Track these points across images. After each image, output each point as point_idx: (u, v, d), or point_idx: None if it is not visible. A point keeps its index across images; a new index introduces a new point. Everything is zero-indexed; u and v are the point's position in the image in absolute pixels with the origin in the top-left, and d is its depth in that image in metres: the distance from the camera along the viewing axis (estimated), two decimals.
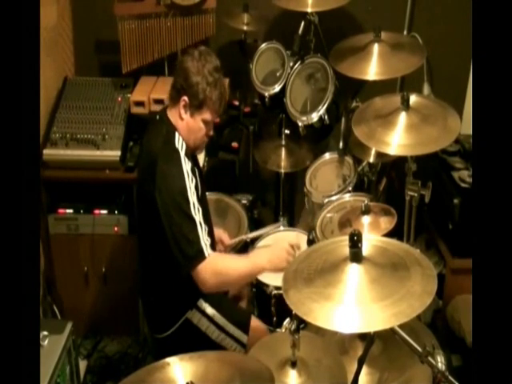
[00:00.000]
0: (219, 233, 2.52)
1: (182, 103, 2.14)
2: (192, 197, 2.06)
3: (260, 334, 2.27)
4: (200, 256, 2.04)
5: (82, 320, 2.94)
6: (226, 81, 2.95)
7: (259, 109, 3.00)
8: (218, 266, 2.07)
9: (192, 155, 2.24)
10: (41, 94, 2.73)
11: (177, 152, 2.12)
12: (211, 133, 2.24)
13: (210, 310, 2.25)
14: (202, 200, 2.16)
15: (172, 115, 2.19)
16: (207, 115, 2.17)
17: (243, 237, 2.65)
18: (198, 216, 2.06)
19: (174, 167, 2.09)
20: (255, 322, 2.35)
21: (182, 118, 2.17)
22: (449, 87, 3.07)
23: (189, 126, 2.17)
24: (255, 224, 2.92)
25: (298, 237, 2.70)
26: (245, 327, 2.28)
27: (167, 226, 2.06)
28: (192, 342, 2.19)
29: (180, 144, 2.14)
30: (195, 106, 2.14)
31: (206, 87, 2.12)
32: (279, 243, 2.20)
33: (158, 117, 2.24)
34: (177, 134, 2.16)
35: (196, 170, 2.17)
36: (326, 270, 1.42)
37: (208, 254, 2.05)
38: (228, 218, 2.79)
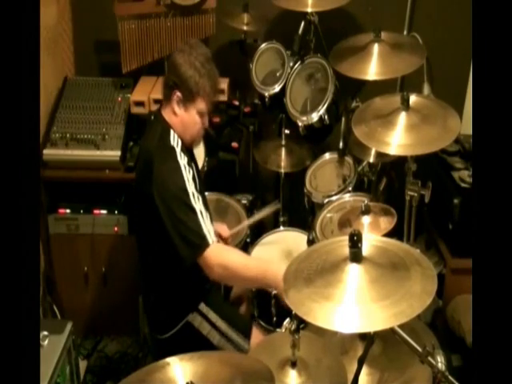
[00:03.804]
0: (217, 226, 2.52)
1: (175, 99, 2.14)
2: (190, 187, 2.06)
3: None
4: (203, 243, 2.03)
5: (81, 320, 2.94)
6: (226, 80, 2.96)
7: (259, 109, 3.00)
8: (224, 257, 2.06)
9: (188, 151, 2.23)
10: (41, 94, 2.73)
11: (173, 149, 2.12)
12: (207, 123, 2.23)
13: (212, 315, 2.24)
14: (200, 191, 2.16)
15: (166, 113, 2.18)
16: (201, 105, 2.15)
17: (241, 226, 2.68)
18: (198, 204, 2.05)
19: (171, 165, 2.09)
20: (256, 333, 2.32)
21: (176, 114, 2.16)
22: (449, 87, 3.07)
23: (184, 121, 2.16)
24: (255, 224, 2.92)
25: (298, 237, 2.71)
26: (247, 335, 2.27)
27: (167, 220, 2.05)
28: (193, 344, 2.17)
29: (175, 141, 2.14)
30: (188, 99, 2.13)
31: (199, 79, 2.11)
32: None
33: (152, 117, 2.25)
34: (172, 132, 2.15)
35: (192, 164, 2.17)
36: (326, 270, 1.42)
37: (212, 241, 2.04)
38: (228, 218, 2.79)
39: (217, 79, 2.18)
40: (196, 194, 2.07)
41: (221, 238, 2.53)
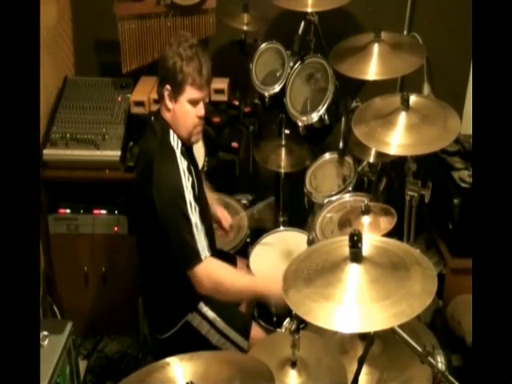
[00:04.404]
0: (218, 211, 2.54)
1: (166, 94, 2.13)
2: (189, 195, 2.06)
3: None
4: (195, 258, 2.04)
5: (81, 320, 2.94)
6: (226, 80, 2.96)
7: (259, 109, 3.00)
8: (215, 273, 2.08)
9: (188, 152, 2.22)
10: (41, 94, 2.73)
11: (172, 151, 2.11)
12: (201, 113, 2.17)
13: (210, 314, 2.24)
14: (199, 198, 2.15)
15: (163, 112, 2.18)
16: (191, 93, 2.11)
17: (241, 215, 2.73)
18: (194, 216, 2.05)
19: (170, 166, 2.09)
20: (256, 330, 2.32)
21: (169, 109, 2.14)
22: (449, 87, 3.07)
23: (176, 114, 2.14)
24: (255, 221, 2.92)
25: (298, 237, 2.71)
26: (245, 333, 2.26)
27: (165, 225, 2.06)
28: (192, 344, 2.17)
29: (175, 142, 2.14)
30: (177, 90, 2.11)
31: (182, 63, 2.08)
32: None
33: (152, 117, 2.24)
34: (171, 132, 2.15)
35: (192, 169, 2.15)
36: (326, 269, 1.42)
37: (205, 256, 2.05)
38: None
39: (203, 63, 2.11)
40: (193, 204, 2.06)
41: (221, 226, 2.54)
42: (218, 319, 2.24)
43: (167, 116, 2.16)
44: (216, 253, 2.45)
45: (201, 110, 2.16)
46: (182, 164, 2.10)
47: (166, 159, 2.10)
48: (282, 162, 2.98)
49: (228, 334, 2.24)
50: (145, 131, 2.26)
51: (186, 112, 2.14)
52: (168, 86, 2.12)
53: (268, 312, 2.46)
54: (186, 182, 2.07)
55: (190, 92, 2.11)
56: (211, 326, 2.23)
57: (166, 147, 2.12)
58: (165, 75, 2.13)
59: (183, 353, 1.45)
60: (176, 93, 2.12)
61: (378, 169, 2.67)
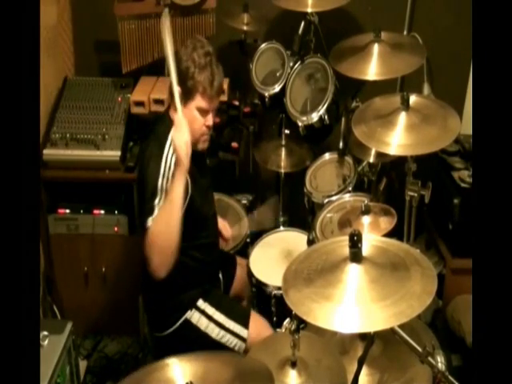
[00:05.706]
0: (219, 224, 2.52)
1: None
2: (162, 183, 2.04)
3: (261, 328, 2.27)
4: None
5: (82, 320, 2.93)
6: (226, 80, 2.96)
7: (259, 109, 3.00)
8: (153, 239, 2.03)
9: (197, 155, 2.21)
10: (41, 94, 2.73)
11: (165, 138, 2.10)
12: (210, 123, 2.18)
13: (209, 309, 2.25)
14: (196, 192, 2.15)
15: (172, 112, 2.18)
16: (200, 102, 2.12)
17: (241, 223, 2.73)
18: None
19: (155, 149, 2.10)
20: (255, 317, 2.34)
21: (177, 111, 2.15)
22: (449, 87, 3.07)
23: (184, 118, 2.12)
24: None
25: (298, 237, 2.71)
26: (245, 322, 2.27)
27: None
28: (192, 341, 2.18)
29: None
30: (187, 94, 2.11)
31: (195, 70, 2.08)
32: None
33: (161, 116, 2.25)
34: (173, 129, 2.15)
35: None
36: (326, 270, 1.42)
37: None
38: (228, 218, 2.79)
39: (216, 74, 2.13)
40: (160, 191, 2.03)
41: (222, 238, 2.53)
42: (217, 313, 2.25)
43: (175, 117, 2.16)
44: (218, 252, 2.46)
45: (209, 119, 2.17)
46: (169, 150, 2.09)
47: (155, 145, 2.11)
48: (282, 162, 2.98)
49: (227, 326, 2.24)
50: (147, 130, 2.27)
51: (194, 118, 2.14)
52: (179, 88, 2.12)
53: (268, 312, 2.46)
54: (165, 167, 2.06)
55: (199, 101, 2.12)
56: (210, 321, 2.24)
57: (161, 138, 2.12)
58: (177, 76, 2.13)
59: (182, 351, 1.45)
60: (186, 97, 2.12)
61: (378, 169, 2.67)
